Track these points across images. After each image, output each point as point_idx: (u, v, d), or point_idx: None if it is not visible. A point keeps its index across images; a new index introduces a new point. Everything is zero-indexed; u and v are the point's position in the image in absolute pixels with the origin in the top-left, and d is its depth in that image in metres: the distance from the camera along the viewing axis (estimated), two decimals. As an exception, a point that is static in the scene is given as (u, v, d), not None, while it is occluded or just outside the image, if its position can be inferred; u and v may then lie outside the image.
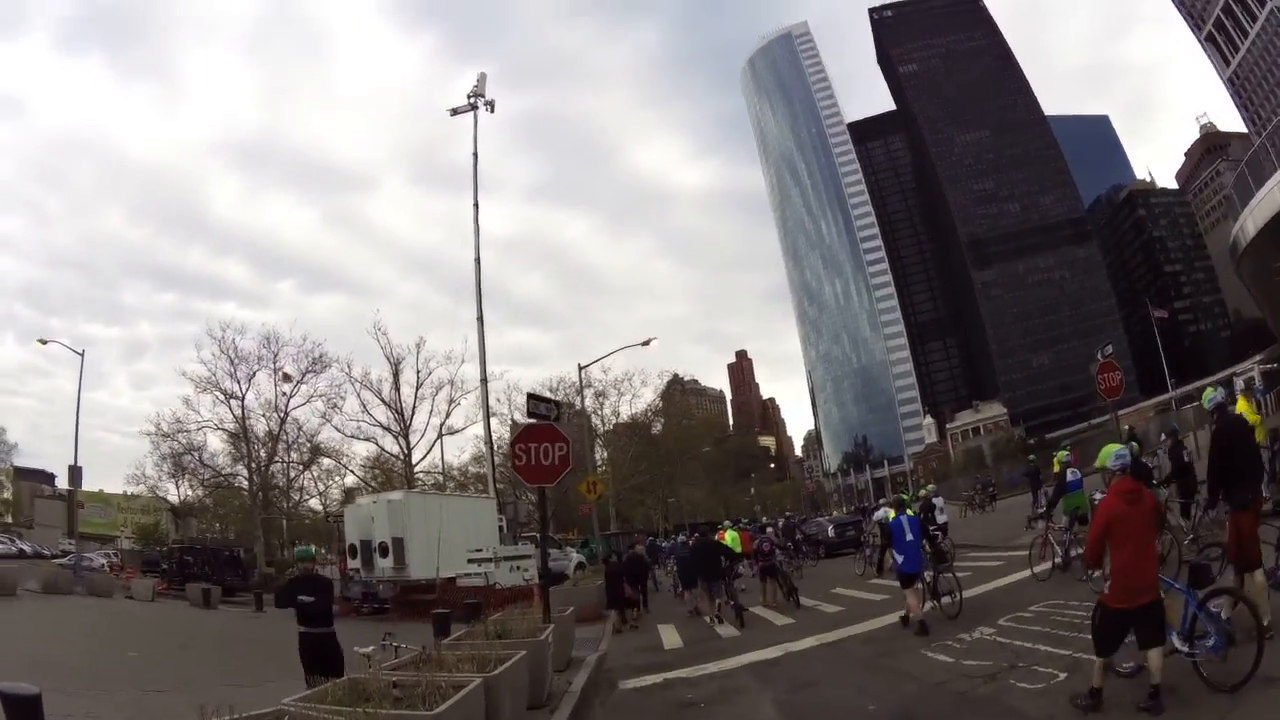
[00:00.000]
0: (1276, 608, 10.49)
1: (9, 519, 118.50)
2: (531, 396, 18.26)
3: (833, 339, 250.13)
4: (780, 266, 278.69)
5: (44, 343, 54.99)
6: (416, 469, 68.66)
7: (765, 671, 15.37)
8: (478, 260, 48.66)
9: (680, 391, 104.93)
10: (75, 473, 49.75)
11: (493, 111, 52.28)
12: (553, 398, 20.00)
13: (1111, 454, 9.52)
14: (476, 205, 49.97)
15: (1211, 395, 12.00)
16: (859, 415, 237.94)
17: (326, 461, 75.47)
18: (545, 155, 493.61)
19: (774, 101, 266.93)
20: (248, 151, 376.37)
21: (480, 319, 49.00)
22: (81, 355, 50.65)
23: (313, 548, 15.03)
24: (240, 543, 69.88)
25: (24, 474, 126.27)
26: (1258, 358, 78.13)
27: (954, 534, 32.78)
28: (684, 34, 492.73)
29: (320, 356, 68.92)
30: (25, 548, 78.83)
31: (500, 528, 44.55)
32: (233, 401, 67.66)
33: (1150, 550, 9.16)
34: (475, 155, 51.02)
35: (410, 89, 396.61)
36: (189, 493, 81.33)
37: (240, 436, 68.56)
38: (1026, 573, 20.64)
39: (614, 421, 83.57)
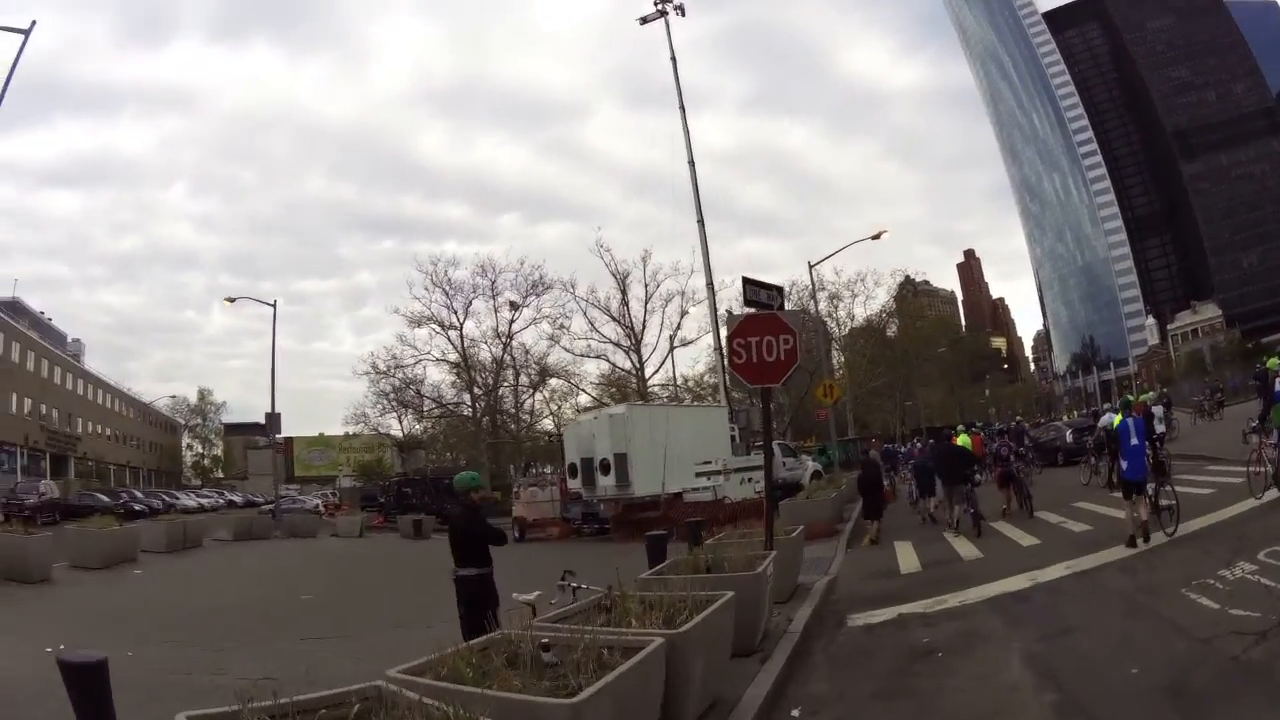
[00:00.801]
0: None
1: (219, 474, 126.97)
2: (749, 281, 15.86)
3: (1056, 235, 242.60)
4: (999, 163, 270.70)
5: (231, 301, 57.64)
6: (650, 383, 68.06)
7: (1012, 609, 13.45)
8: (691, 164, 47.27)
9: (913, 293, 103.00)
10: (272, 419, 51.93)
11: (683, 15, 50.31)
12: (774, 284, 16.68)
13: None
14: (683, 109, 48.42)
15: None
16: (1085, 315, 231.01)
17: (556, 382, 75.13)
18: (754, 66, 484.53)
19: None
20: (449, 98, 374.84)
21: (700, 222, 47.96)
22: (274, 306, 52.65)
23: (476, 475, 12.92)
24: (470, 470, 69.22)
25: (237, 429, 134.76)
26: None
27: (1184, 443, 33.82)
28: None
29: (541, 279, 68.63)
30: (236, 498, 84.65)
31: (733, 437, 40.99)
32: (451, 333, 68.37)
33: None
34: (674, 59, 49.17)
35: (605, 12, 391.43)
36: (416, 426, 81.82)
37: (462, 366, 69.18)
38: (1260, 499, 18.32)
39: (849, 325, 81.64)
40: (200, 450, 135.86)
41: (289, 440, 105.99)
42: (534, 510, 39.92)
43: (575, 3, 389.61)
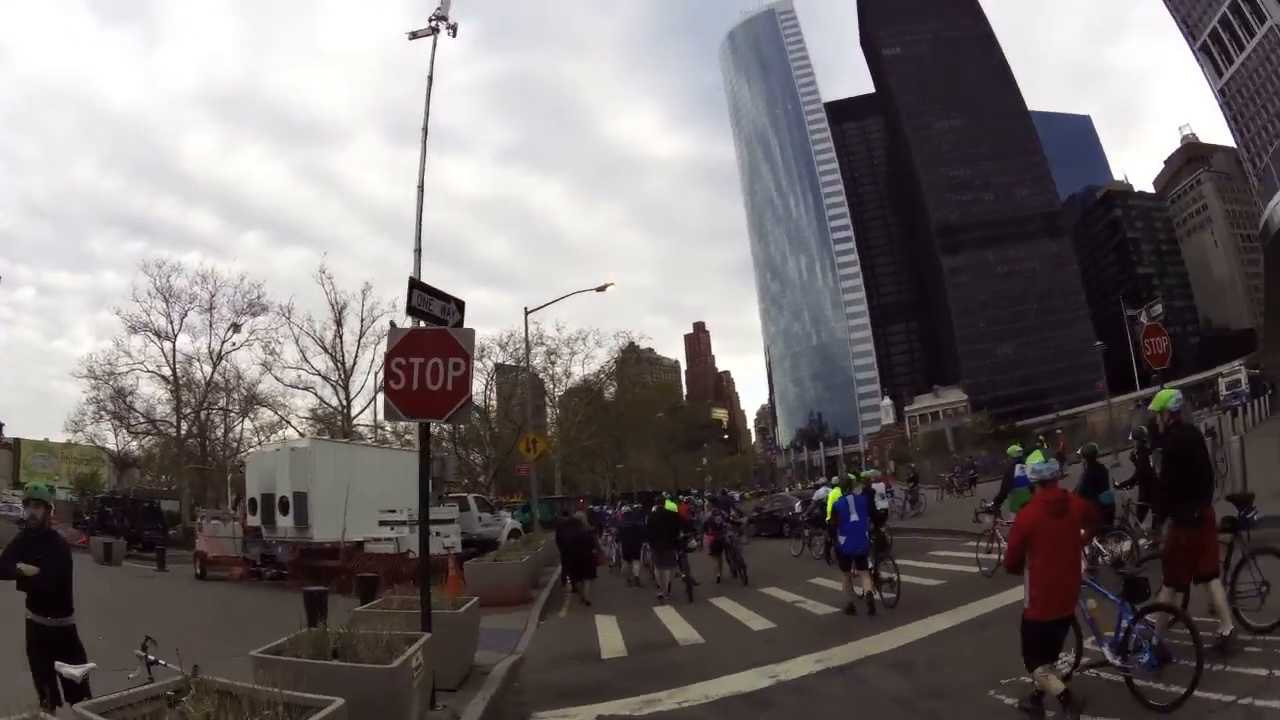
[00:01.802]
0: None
1: None
2: (418, 286, 11.98)
3: (794, 315, 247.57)
4: (745, 241, 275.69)
5: None
6: (356, 421, 64.01)
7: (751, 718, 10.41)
8: (421, 188, 41.98)
9: (635, 359, 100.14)
10: None
11: (454, 36, 46.45)
12: (451, 295, 12.43)
13: (1032, 465, 9.10)
14: (426, 130, 42.89)
15: (1174, 397, 10.90)
16: (815, 393, 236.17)
17: (267, 413, 70.08)
18: (522, 118, 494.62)
19: (751, 76, 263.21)
20: (224, 101, 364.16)
21: (418, 250, 42.78)
22: None
23: (44, 484, 9.39)
24: (178, 495, 66.76)
25: None
26: (1235, 364, 78.01)
27: (928, 518, 36.07)
28: (670, 5, 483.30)
29: (258, 298, 64.64)
30: None
31: None
32: (166, 344, 63.89)
33: (1075, 562, 8.74)
34: (430, 78, 44.22)
35: (389, 45, 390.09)
36: (131, 442, 75.13)
37: (171, 380, 64.44)
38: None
39: (565, 382, 78.54)
40: None
41: (17, 442, 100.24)
42: (215, 546, 35.17)
43: (357, 24, 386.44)
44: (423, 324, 12.01)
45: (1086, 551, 13.22)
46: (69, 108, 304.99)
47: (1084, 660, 9.38)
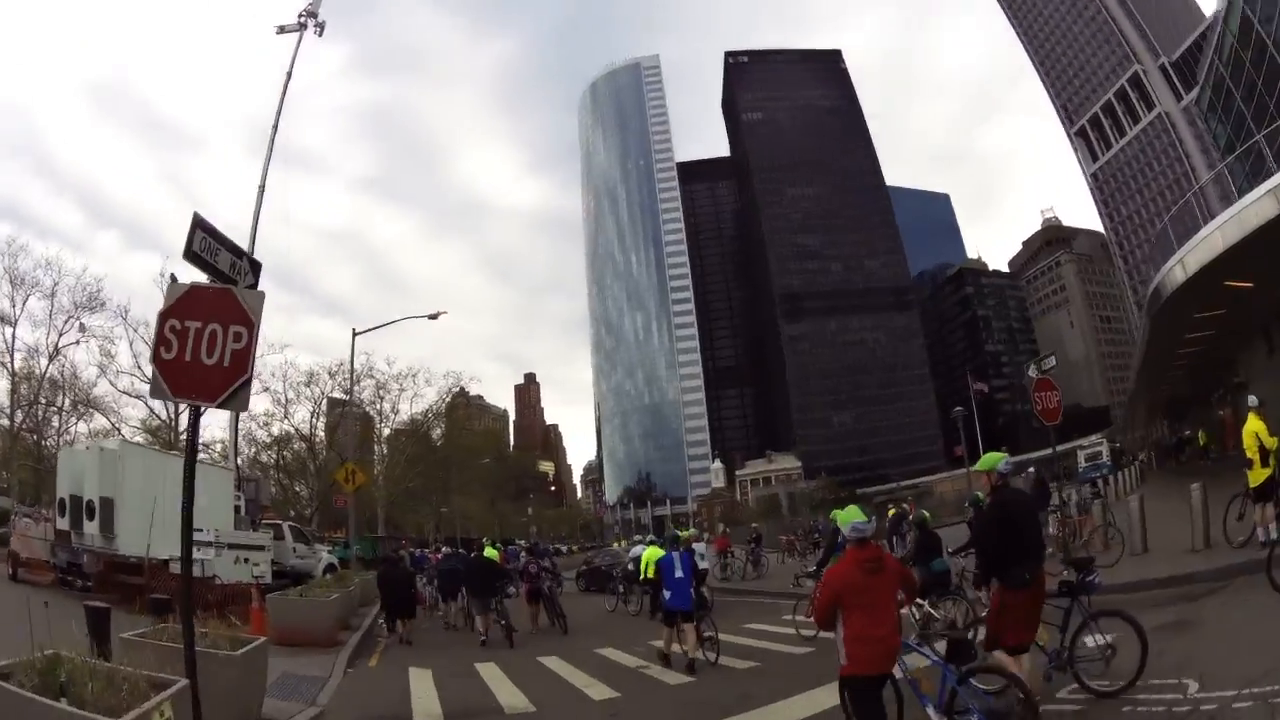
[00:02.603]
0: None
1: None
2: (202, 228, 8.98)
3: (626, 373, 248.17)
4: (585, 294, 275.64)
5: None
6: (182, 435, 58.94)
7: None
8: (261, 188, 40.77)
9: (464, 404, 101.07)
10: None
11: (321, 34, 46.19)
12: (245, 251, 9.47)
13: (849, 523, 8.36)
14: (276, 128, 42.25)
15: (1002, 460, 10.23)
16: (645, 452, 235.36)
17: (102, 418, 65.24)
18: (383, 147, 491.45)
19: (608, 128, 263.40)
20: (102, 89, 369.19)
21: (262, 187, 40.96)
22: None
23: None
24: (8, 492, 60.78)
25: None
26: (1094, 437, 79.48)
27: (769, 580, 35.61)
28: (544, 49, 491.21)
29: (98, 293, 59.69)
30: None
31: (238, 508, 35.33)
32: (7, 329, 58.66)
33: (892, 618, 8.29)
34: (289, 75, 43.88)
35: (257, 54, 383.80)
36: None
37: (8, 368, 59.53)
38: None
39: (393, 419, 77.75)
40: None
41: None
42: (27, 547, 31.25)
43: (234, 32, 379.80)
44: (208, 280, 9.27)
45: (917, 616, 14.04)
46: None
47: None
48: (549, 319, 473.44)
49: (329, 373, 69.00)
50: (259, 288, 9.70)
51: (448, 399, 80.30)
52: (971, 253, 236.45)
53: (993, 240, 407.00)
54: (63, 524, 28.88)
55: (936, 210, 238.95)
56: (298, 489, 73.52)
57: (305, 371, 69.71)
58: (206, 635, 11.56)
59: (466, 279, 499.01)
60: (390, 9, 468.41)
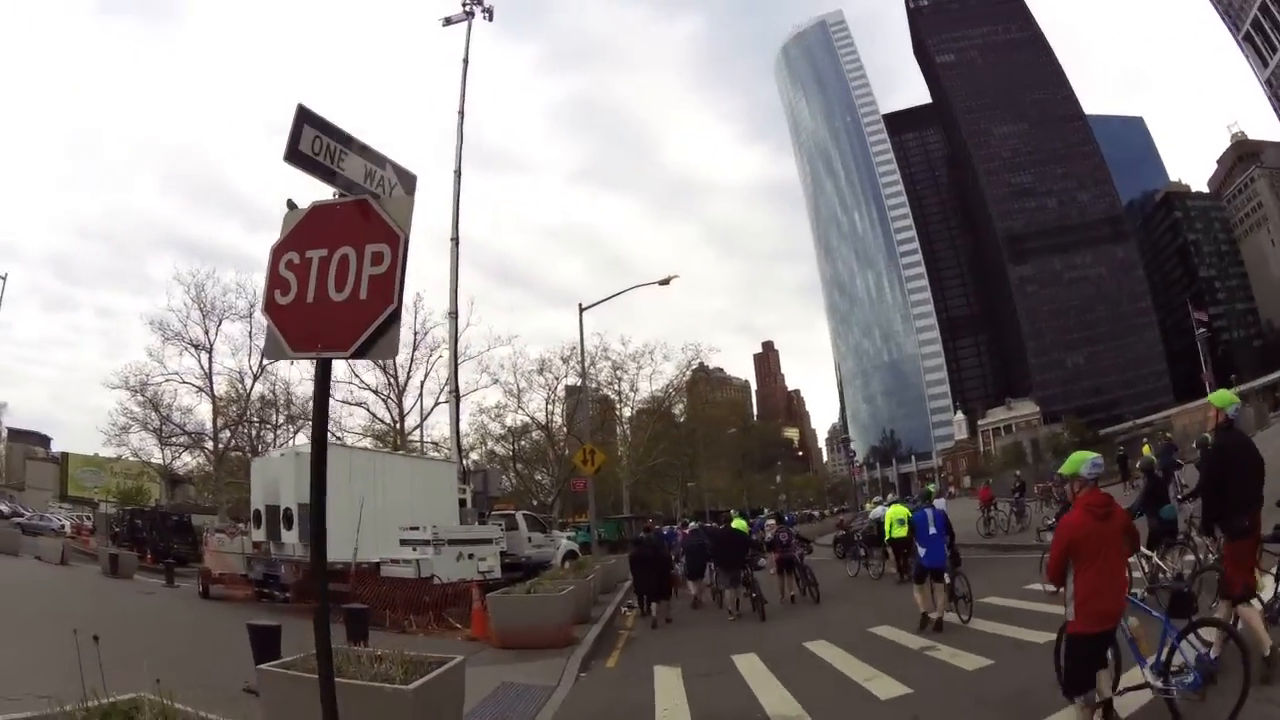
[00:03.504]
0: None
1: None
2: (308, 120, 5.88)
3: (863, 332, 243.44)
4: (813, 259, 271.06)
5: None
6: (411, 436, 60.26)
7: None
8: (457, 173, 40.78)
9: (704, 379, 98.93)
10: None
11: (491, 19, 45.59)
12: (376, 151, 6.10)
13: (1086, 461, 8.12)
14: (462, 114, 42.19)
15: (1234, 405, 9.66)
16: (888, 410, 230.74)
17: None
18: (591, 140, 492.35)
19: (808, 91, 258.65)
20: (279, 125, 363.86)
21: (458, 172, 41.16)
22: (3, 279, 43.04)
23: None
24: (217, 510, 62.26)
25: (19, 436, 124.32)
26: None
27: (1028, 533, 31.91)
28: (727, 23, 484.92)
29: None
30: (3, 508, 74.76)
31: (462, 501, 33.47)
32: (203, 355, 59.27)
33: (1120, 571, 8.04)
34: (466, 62, 43.39)
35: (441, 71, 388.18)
36: (183, 455, 69.91)
37: (208, 391, 59.91)
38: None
39: (633, 399, 76.36)
40: None
41: (65, 456, 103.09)
42: (221, 563, 30.34)
43: (424, 46, 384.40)
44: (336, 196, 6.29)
45: (1145, 568, 13.84)
46: (123, 131, 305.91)
47: (1121, 685, 8.22)
48: (781, 287, 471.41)
49: (561, 358, 67.81)
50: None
51: (687, 373, 77.63)
52: (1172, 175, 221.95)
53: (1188, 161, 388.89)
54: (259, 535, 28.14)
55: (1131, 135, 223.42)
56: (538, 477, 73.02)
57: (535, 360, 69.15)
58: (382, 660, 8.80)
59: (695, 255, 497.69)
60: (568, 6, 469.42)
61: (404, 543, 25.08)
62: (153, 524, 48.43)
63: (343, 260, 5.88)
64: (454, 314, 40.12)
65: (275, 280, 6.07)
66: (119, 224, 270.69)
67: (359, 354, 5.91)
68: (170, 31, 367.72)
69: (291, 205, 6.22)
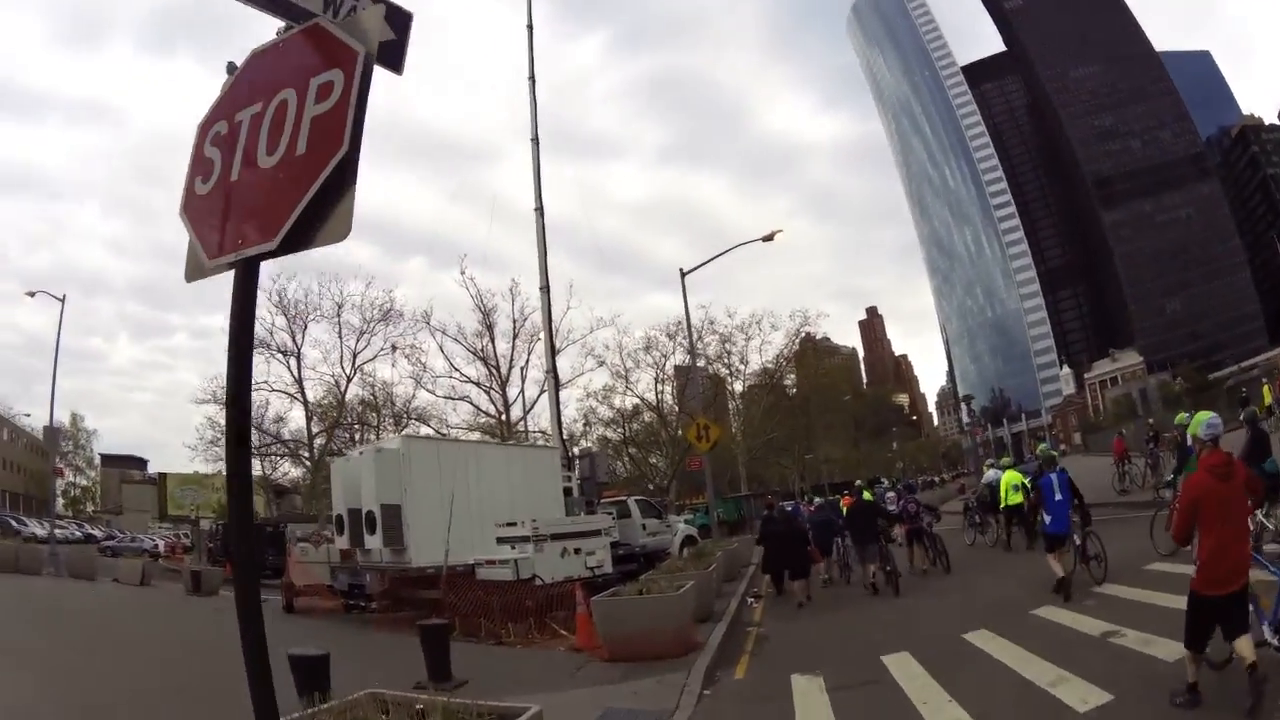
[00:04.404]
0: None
1: (91, 505, 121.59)
2: None
3: (965, 290, 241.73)
4: (908, 219, 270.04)
5: (31, 295, 48.40)
6: (517, 427, 58.38)
7: None
8: (535, 140, 38.71)
9: (813, 348, 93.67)
10: (51, 434, 48.00)
11: None
12: None
13: (1203, 422, 8.27)
14: (533, 80, 40.18)
15: None
16: (995, 368, 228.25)
17: (426, 430, 63.35)
18: (675, 117, 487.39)
19: (884, 48, 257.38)
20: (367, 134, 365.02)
21: (535, 140, 39.01)
22: (62, 300, 44.78)
23: None
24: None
25: (115, 461, 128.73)
26: None
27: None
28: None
29: (391, 307, 59.02)
30: (96, 533, 79.58)
31: (567, 490, 29.88)
32: (292, 360, 59.29)
33: (1244, 531, 8.08)
34: (530, 28, 40.83)
35: (516, 60, 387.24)
36: (282, 464, 70.52)
37: (300, 397, 60.09)
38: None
39: (744, 370, 72.33)
40: (71, 479, 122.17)
41: (162, 476, 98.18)
42: (304, 574, 28.66)
43: (489, 41, 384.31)
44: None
45: (1270, 525, 13.49)
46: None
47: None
48: (880, 250, 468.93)
49: (667, 334, 65.44)
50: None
51: (796, 342, 74.46)
52: (1244, 108, 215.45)
53: (1256, 91, 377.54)
54: (343, 543, 25.40)
55: (1199, 69, 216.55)
56: (652, 460, 70.86)
57: (641, 338, 66.66)
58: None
59: (792, 224, 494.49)
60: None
61: (501, 540, 22.71)
62: (248, 537, 47.11)
63: (279, 110, 3.80)
64: (545, 288, 37.63)
65: (197, 164, 4.15)
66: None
67: (292, 243, 3.73)
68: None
69: (231, 68, 4.15)
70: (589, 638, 15.73)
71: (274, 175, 3.70)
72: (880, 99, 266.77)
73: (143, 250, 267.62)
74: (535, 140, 38.74)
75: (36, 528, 65.19)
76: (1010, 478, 23.83)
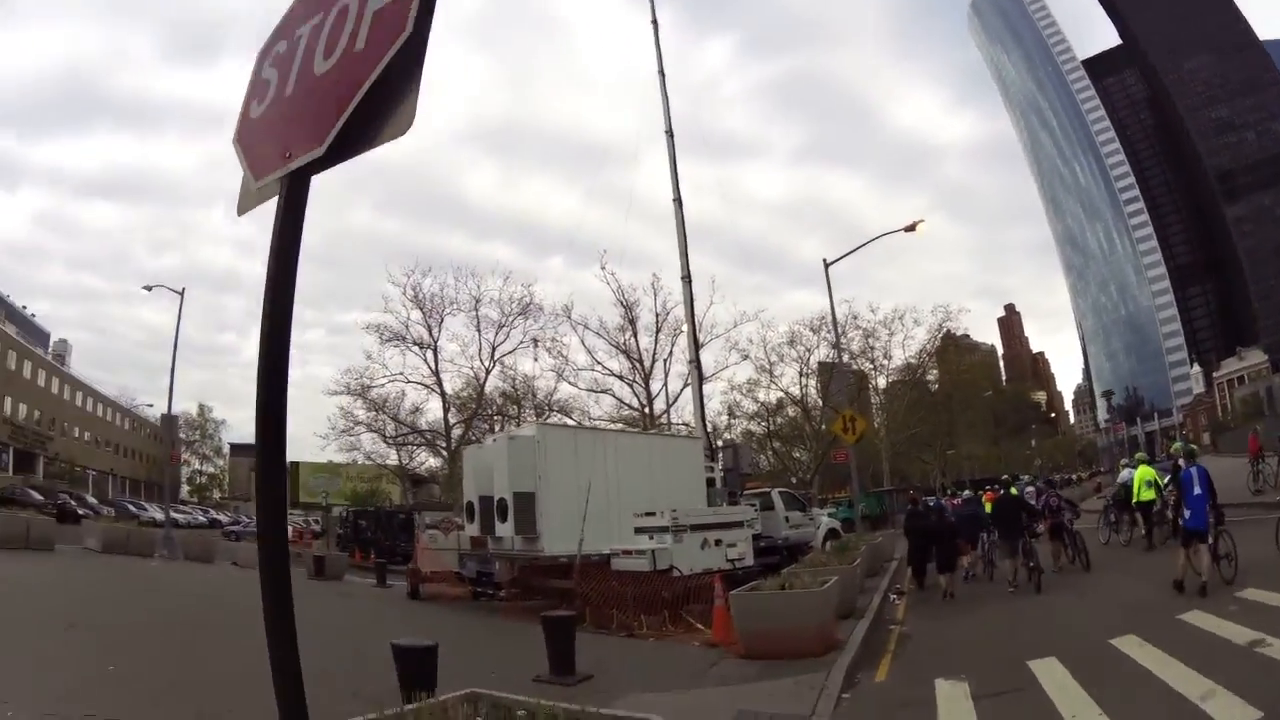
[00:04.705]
0: None
1: (217, 493, 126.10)
2: None
3: (1100, 288, 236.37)
4: (1044, 217, 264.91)
5: (149, 289, 49.10)
6: (660, 420, 57.95)
7: None
8: (669, 133, 39.07)
9: (954, 345, 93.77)
10: (169, 421, 48.43)
11: None
12: None
13: None
14: (662, 74, 40.61)
15: None
16: (1129, 366, 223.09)
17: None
18: (805, 116, 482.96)
19: (1006, 44, 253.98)
20: (496, 138, 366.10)
21: (669, 133, 39.20)
22: (181, 293, 43.68)
23: None
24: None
25: (244, 450, 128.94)
26: None
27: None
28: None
29: (530, 301, 59.30)
30: (222, 518, 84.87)
31: (710, 481, 29.18)
32: (428, 353, 60.19)
33: None
34: (655, 23, 41.57)
35: (648, 63, 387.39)
36: (419, 454, 71.50)
37: (437, 389, 60.83)
38: None
39: (887, 365, 72.56)
40: (198, 467, 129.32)
41: (294, 464, 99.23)
42: (432, 561, 28.89)
43: (614, 48, 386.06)
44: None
45: None
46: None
47: None
48: (1015, 249, 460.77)
49: (810, 329, 65.19)
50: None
51: (938, 337, 73.82)
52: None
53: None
54: (473, 530, 25.31)
55: None
56: (796, 454, 70.67)
57: (785, 332, 66.37)
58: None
59: (928, 222, 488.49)
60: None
61: (639, 531, 22.12)
62: (376, 523, 48.13)
63: (340, 15, 3.17)
64: (686, 278, 37.55)
65: (254, 88, 3.65)
66: (340, 248, 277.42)
67: (346, 146, 3.14)
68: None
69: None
70: (725, 633, 15.19)
71: (330, 79, 3.12)
72: (1007, 96, 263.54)
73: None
74: (669, 133, 38.80)
75: (157, 513, 64.90)
76: (1143, 473, 23.52)
